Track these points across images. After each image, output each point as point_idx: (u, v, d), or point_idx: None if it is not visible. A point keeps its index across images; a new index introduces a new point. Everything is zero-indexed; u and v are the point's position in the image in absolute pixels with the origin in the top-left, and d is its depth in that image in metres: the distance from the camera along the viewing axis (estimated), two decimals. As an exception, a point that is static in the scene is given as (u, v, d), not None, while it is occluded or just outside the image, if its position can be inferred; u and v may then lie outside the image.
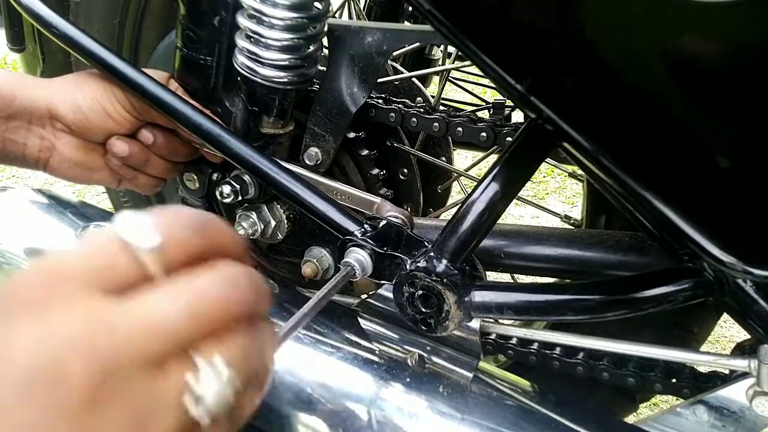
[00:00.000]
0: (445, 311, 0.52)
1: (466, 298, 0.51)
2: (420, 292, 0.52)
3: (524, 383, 0.64)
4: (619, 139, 0.39)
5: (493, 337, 0.74)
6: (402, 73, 0.83)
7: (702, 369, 0.65)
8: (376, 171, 0.73)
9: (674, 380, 0.65)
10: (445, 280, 0.51)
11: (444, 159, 0.87)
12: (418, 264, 0.52)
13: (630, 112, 0.37)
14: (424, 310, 0.53)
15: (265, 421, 0.57)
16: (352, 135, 0.71)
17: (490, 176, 0.50)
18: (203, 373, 0.28)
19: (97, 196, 1.98)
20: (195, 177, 0.73)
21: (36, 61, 0.98)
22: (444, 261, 0.51)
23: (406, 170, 0.78)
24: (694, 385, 0.63)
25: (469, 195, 0.51)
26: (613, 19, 0.34)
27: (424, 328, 0.54)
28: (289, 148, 0.70)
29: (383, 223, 0.57)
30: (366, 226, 0.56)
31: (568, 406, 0.59)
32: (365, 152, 0.72)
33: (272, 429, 0.57)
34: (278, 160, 0.59)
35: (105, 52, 0.63)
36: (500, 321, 0.64)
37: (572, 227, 0.80)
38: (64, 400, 0.25)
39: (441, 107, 0.74)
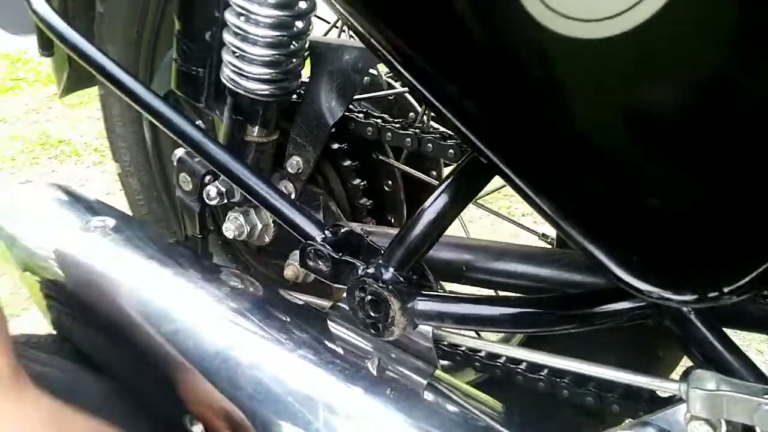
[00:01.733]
0: (390, 317, 0.54)
1: (409, 305, 0.54)
2: (369, 297, 0.55)
3: (481, 396, 0.66)
4: (535, 174, 0.41)
5: (463, 348, 0.76)
6: (394, 88, 0.86)
7: (661, 393, 0.65)
8: (357, 181, 0.77)
9: (632, 402, 0.65)
10: (390, 287, 0.54)
11: (434, 174, 0.90)
12: (367, 270, 0.55)
13: (543, 151, 0.39)
14: (372, 314, 0.56)
15: (221, 412, 0.61)
16: (335, 146, 0.75)
17: (439, 190, 0.53)
18: None
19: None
20: (189, 179, 0.78)
21: (63, 66, 1.06)
22: (391, 269, 0.54)
23: (390, 182, 0.81)
24: (650, 408, 0.63)
25: (419, 208, 0.53)
26: (512, 57, 0.36)
27: (373, 332, 0.57)
28: (275, 156, 0.75)
29: (344, 230, 0.60)
30: (327, 232, 0.59)
31: (517, 421, 0.60)
32: (347, 163, 0.76)
33: (228, 421, 0.61)
34: (249, 166, 0.63)
35: (105, 59, 0.69)
36: (452, 330, 0.66)
37: (539, 246, 0.81)
38: None
39: (419, 123, 0.77)
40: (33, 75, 2.92)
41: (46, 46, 1.02)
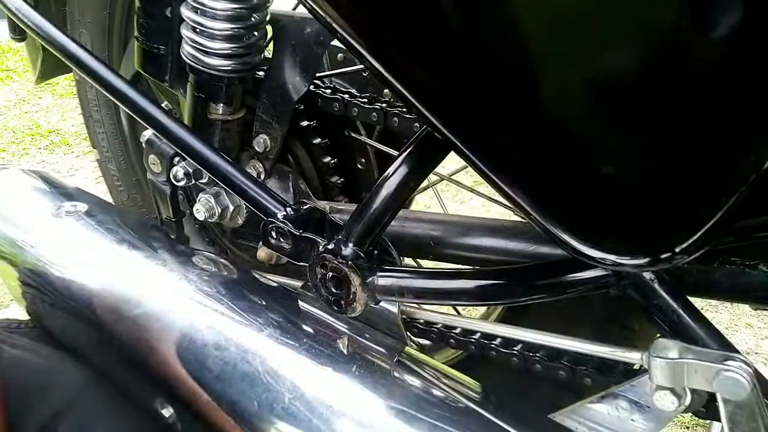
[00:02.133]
0: (352, 293, 0.54)
1: (369, 281, 0.53)
2: (330, 273, 0.54)
3: (454, 373, 0.65)
4: (483, 146, 0.40)
5: (438, 326, 0.75)
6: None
7: (636, 366, 0.64)
8: (327, 159, 0.76)
9: (605, 376, 0.64)
10: (350, 263, 0.53)
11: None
12: (327, 246, 0.54)
13: (489, 122, 0.38)
14: (334, 291, 0.55)
15: (191, 394, 0.60)
16: (304, 123, 0.74)
17: (396, 164, 0.51)
18: None
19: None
20: (158, 160, 0.77)
21: (37, 52, 1.04)
22: (351, 245, 0.53)
23: (363, 160, 0.80)
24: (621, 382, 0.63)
25: (376, 183, 0.52)
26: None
27: (336, 308, 0.56)
28: (242, 135, 0.73)
29: (306, 207, 0.59)
30: (289, 209, 0.58)
31: (486, 396, 0.60)
32: (317, 141, 0.75)
33: (198, 403, 0.61)
34: (212, 145, 0.61)
35: (70, 42, 0.67)
36: (423, 307, 0.65)
37: (508, 219, 0.79)
38: None
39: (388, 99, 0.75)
40: (23, 66, 2.91)
41: (18, 31, 1.01)
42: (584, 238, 0.39)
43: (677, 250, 0.36)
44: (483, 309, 0.95)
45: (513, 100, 0.35)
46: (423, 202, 1.76)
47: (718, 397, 0.44)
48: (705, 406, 0.52)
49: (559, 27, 0.30)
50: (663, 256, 0.37)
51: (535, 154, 0.37)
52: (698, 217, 0.34)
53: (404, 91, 0.39)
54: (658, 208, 0.35)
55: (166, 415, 0.65)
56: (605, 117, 0.32)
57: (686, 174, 0.32)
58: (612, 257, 0.40)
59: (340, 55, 0.86)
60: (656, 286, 0.50)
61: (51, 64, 1.06)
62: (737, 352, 0.46)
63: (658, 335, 0.51)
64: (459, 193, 1.94)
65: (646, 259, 0.38)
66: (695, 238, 0.35)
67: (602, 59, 0.31)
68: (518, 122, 0.36)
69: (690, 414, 1.14)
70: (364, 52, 0.40)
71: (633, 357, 0.50)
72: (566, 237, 0.40)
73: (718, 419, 0.47)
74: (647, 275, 0.49)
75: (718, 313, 1.35)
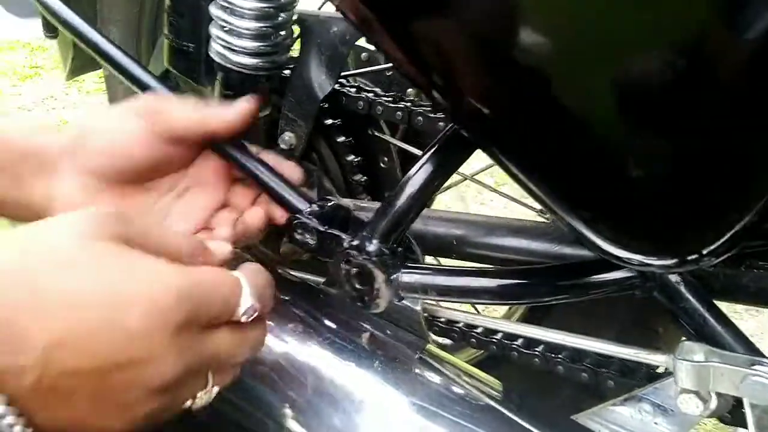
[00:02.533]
0: (375, 289, 0.54)
1: (393, 277, 0.53)
2: (354, 269, 0.55)
3: (476, 372, 0.65)
4: (512, 144, 0.40)
5: (459, 325, 0.75)
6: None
7: (660, 369, 0.64)
8: (351, 157, 0.76)
9: (628, 378, 0.64)
10: (374, 259, 0.53)
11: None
12: (352, 243, 0.55)
13: (519, 121, 0.38)
14: (358, 287, 0.56)
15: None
16: (329, 122, 0.74)
17: (421, 162, 0.52)
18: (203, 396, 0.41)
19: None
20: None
21: (68, 49, 1.07)
22: (375, 241, 0.54)
23: (386, 158, 0.80)
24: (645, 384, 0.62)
25: (401, 180, 0.53)
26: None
27: (360, 304, 0.56)
28: (267, 133, 0.74)
29: (331, 203, 0.60)
30: (314, 205, 0.59)
31: (507, 396, 0.60)
32: (341, 139, 0.75)
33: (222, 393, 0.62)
34: (237, 141, 0.62)
35: (101, 39, 0.69)
36: (445, 306, 0.66)
37: (531, 219, 0.79)
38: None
39: (413, 98, 0.75)
40: (51, 63, 2.97)
41: (51, 29, 1.03)
42: (612, 237, 0.39)
43: (705, 251, 0.36)
44: (504, 309, 0.95)
45: (545, 100, 0.35)
46: (444, 202, 1.76)
47: (745, 401, 0.43)
48: (730, 412, 0.52)
49: (598, 23, 0.31)
50: (691, 257, 0.37)
51: (567, 153, 0.37)
52: (728, 219, 0.33)
53: (433, 89, 0.40)
54: (687, 209, 0.35)
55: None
56: (638, 117, 0.32)
57: (718, 175, 0.32)
58: (639, 257, 0.40)
59: (364, 54, 0.87)
60: (682, 288, 0.49)
61: (81, 61, 1.08)
62: (765, 357, 0.45)
63: (684, 338, 0.51)
64: (479, 194, 1.93)
65: (674, 260, 0.38)
66: (724, 239, 0.35)
67: (635, 60, 0.31)
68: (550, 121, 0.36)
69: (712, 420, 1.13)
70: (393, 50, 0.40)
71: (658, 360, 0.50)
72: (593, 236, 0.40)
73: (743, 425, 0.47)
74: (673, 278, 0.49)
75: (744, 321, 1.33)
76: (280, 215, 0.60)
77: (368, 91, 0.71)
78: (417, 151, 0.82)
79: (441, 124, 0.65)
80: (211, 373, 0.40)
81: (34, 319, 0.32)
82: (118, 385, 0.35)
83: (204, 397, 0.41)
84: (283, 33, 0.66)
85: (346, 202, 0.70)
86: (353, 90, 0.71)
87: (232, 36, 0.64)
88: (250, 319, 0.41)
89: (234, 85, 0.68)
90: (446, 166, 0.52)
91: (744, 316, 1.34)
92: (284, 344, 0.63)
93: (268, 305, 0.44)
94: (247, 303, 0.40)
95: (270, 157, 0.62)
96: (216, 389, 0.42)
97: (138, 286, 0.35)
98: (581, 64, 0.33)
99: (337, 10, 0.43)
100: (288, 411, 0.58)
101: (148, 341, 0.34)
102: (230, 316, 0.40)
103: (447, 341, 0.90)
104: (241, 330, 0.41)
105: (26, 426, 0.33)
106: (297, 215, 0.58)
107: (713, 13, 0.28)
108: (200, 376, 0.40)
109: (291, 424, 0.57)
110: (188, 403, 0.40)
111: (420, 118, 0.66)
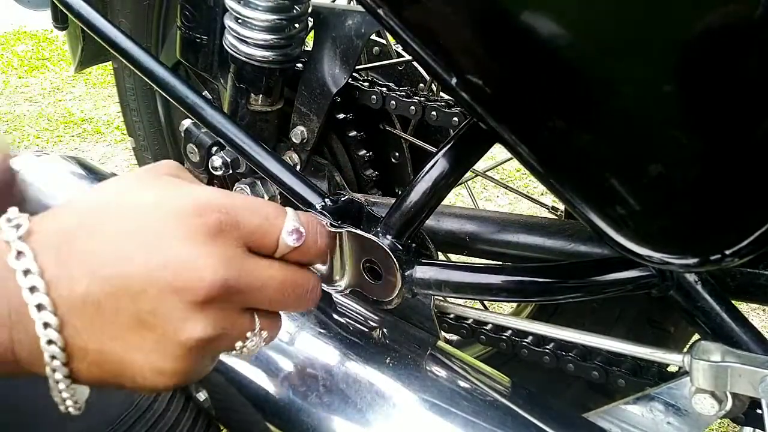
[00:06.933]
0: (389, 285, 0.54)
1: (407, 273, 0.53)
2: (367, 265, 0.55)
3: (486, 369, 0.65)
4: (535, 140, 0.39)
5: (469, 322, 0.75)
6: (402, 56, 0.85)
7: (671, 368, 0.63)
8: (362, 152, 0.76)
9: (638, 377, 0.64)
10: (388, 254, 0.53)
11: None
12: (365, 238, 0.54)
13: (542, 116, 0.38)
14: (371, 283, 0.55)
15: (225, 379, 0.61)
16: (341, 116, 0.74)
17: (437, 157, 0.51)
18: (253, 339, 0.40)
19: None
20: (196, 149, 0.78)
21: (77, 41, 1.06)
22: (389, 237, 0.53)
23: (397, 153, 0.80)
24: (656, 383, 0.62)
25: (416, 175, 0.52)
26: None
27: (373, 300, 0.56)
28: (280, 126, 0.74)
29: (344, 198, 0.59)
30: (327, 200, 0.59)
31: (518, 392, 0.60)
32: (353, 133, 0.75)
33: (232, 389, 0.61)
34: (251, 135, 0.62)
35: (113, 30, 0.69)
36: (455, 302, 0.65)
37: (544, 216, 0.79)
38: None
39: (426, 92, 0.75)
40: (57, 55, 2.96)
41: (61, 20, 1.03)
42: (635, 234, 0.39)
43: (728, 252, 0.36)
44: (513, 306, 0.95)
45: (575, 91, 0.35)
46: (449, 199, 1.75)
47: (763, 402, 0.43)
48: (745, 413, 0.51)
49: (632, 14, 0.30)
50: (713, 257, 0.37)
51: (591, 148, 0.36)
52: (754, 219, 0.33)
53: (455, 80, 0.39)
54: (715, 208, 0.34)
55: (201, 399, 0.66)
56: (663, 114, 0.32)
57: (742, 174, 0.32)
58: (661, 255, 0.40)
59: (376, 48, 0.86)
60: (700, 288, 0.49)
61: (90, 53, 1.08)
62: (783, 357, 0.45)
63: (698, 338, 0.50)
64: (485, 191, 1.93)
65: (696, 260, 0.38)
66: (747, 242, 0.34)
67: (664, 57, 0.31)
68: (579, 113, 0.35)
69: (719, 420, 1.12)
70: (413, 39, 0.40)
71: (674, 359, 0.50)
72: (615, 233, 0.39)
73: (759, 426, 0.46)
74: (691, 277, 0.49)
75: (749, 319, 1.32)
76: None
77: (381, 86, 0.70)
78: (429, 147, 0.82)
79: (455, 119, 0.65)
80: (257, 314, 0.39)
81: (88, 237, 0.35)
82: (161, 302, 0.35)
83: (253, 339, 0.39)
84: (297, 25, 0.65)
85: (358, 196, 0.70)
86: (366, 84, 0.71)
87: (246, 28, 0.64)
88: (296, 244, 0.40)
89: (247, 78, 0.68)
90: (462, 162, 0.52)
91: (749, 315, 1.34)
92: (296, 340, 0.62)
93: (316, 239, 0.42)
94: (290, 225, 0.40)
95: None
96: (264, 335, 0.40)
97: (165, 194, 0.37)
98: (615, 53, 0.33)
99: (357, 1, 0.43)
100: (300, 405, 0.58)
101: (177, 242, 0.35)
102: (275, 237, 0.39)
103: (455, 337, 0.90)
104: (288, 269, 0.40)
105: (64, 364, 0.35)
106: (310, 210, 0.58)
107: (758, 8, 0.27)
108: (245, 311, 0.39)
109: (303, 418, 0.57)
110: (238, 345, 0.39)
111: (434, 113, 0.66)
